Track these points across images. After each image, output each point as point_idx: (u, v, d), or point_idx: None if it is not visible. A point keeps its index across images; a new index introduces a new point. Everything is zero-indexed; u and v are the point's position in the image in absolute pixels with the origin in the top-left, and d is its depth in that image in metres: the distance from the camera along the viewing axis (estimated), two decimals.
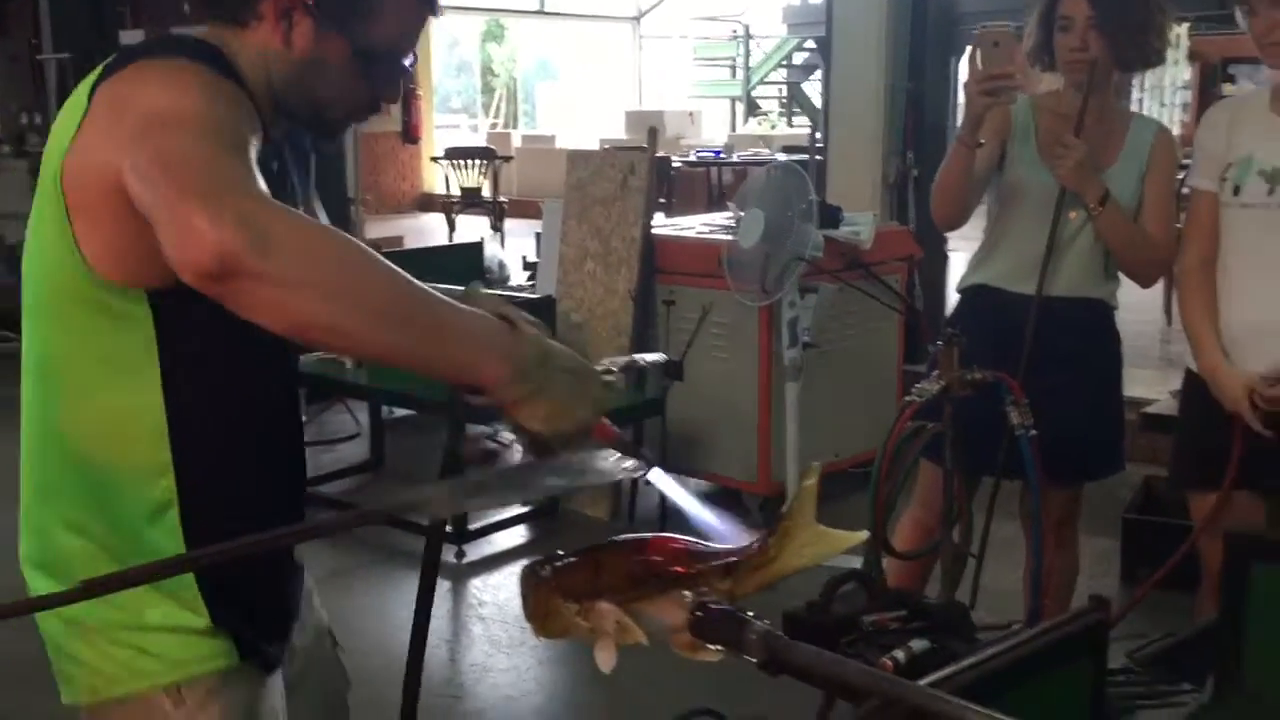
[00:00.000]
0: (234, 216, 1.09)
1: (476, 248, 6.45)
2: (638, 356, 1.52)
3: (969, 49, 2.59)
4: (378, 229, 10.52)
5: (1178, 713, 1.81)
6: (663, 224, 5.16)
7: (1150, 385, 4.92)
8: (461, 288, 1.33)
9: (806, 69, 15.41)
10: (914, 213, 5.60)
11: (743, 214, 4.27)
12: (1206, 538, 2.60)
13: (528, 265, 7.04)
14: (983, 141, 2.65)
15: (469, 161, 11.68)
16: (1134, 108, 5.99)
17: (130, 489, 1.38)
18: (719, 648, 1.23)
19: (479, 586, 4.03)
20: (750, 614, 1.19)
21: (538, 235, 6.02)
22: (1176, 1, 2.82)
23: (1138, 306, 4.24)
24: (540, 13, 17.76)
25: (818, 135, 5.94)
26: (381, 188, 13.67)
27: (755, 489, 4.59)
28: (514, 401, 1.19)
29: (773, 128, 15.44)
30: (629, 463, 1.29)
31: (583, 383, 1.24)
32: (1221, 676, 1.84)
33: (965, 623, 2.02)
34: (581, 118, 18.00)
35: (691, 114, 15.47)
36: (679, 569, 1.28)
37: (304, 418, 1.72)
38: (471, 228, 11.44)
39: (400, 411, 5.51)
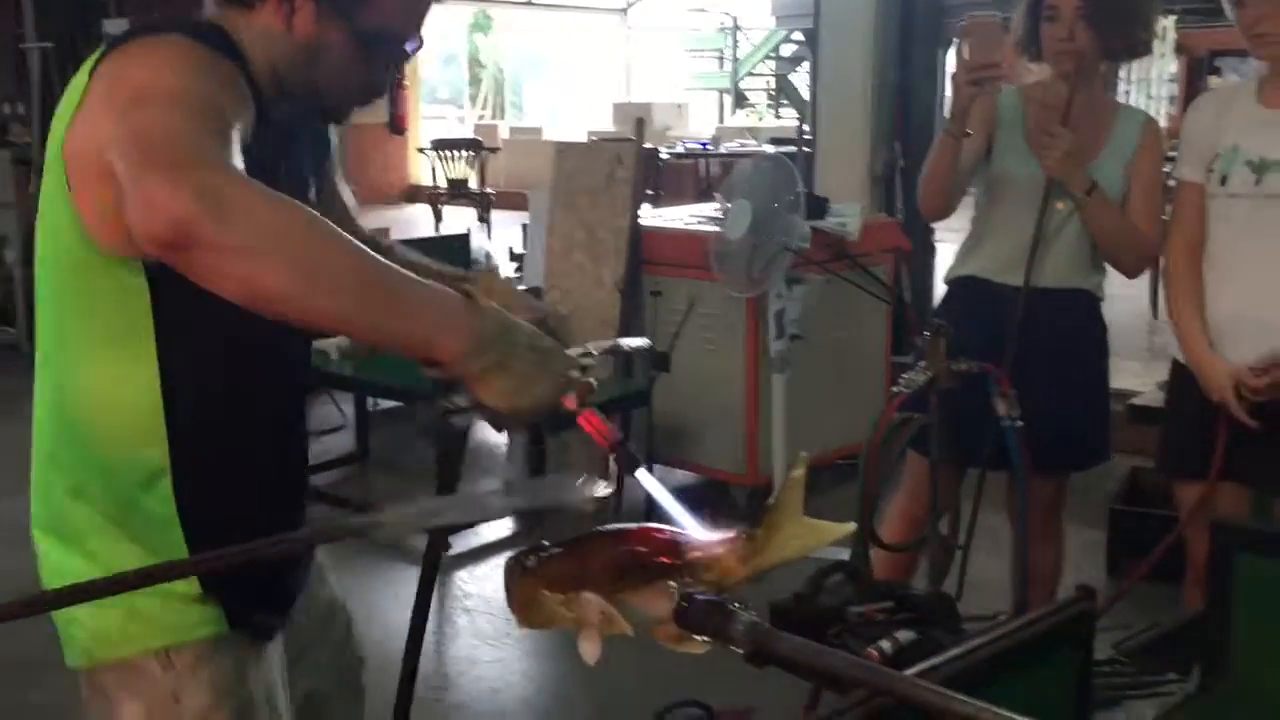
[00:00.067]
0: (193, 187, 1.11)
1: (463, 239, 6.43)
2: (621, 341, 1.52)
3: (956, 40, 2.58)
4: (364, 220, 10.41)
5: (1164, 703, 1.81)
6: (650, 215, 5.14)
7: (1136, 377, 4.93)
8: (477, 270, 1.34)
9: (794, 61, 15.40)
10: (902, 205, 5.59)
11: (729, 205, 4.26)
12: (1192, 528, 2.60)
13: (514, 256, 7.02)
14: (970, 132, 2.65)
15: (456, 153, 11.65)
16: (1120, 100, 5.98)
17: (125, 455, 1.42)
18: (705, 639, 1.22)
19: (464, 579, 4.02)
20: (736, 605, 1.19)
21: (524, 226, 6.01)
22: None
23: (1124, 298, 4.25)
24: (528, 4, 17.72)
25: (805, 127, 5.93)
26: (368, 179, 13.62)
27: (742, 481, 4.58)
28: (471, 375, 1.20)
29: (760, 120, 15.43)
30: (595, 488, 1.29)
31: (545, 360, 1.25)
32: (1207, 666, 1.84)
33: (951, 614, 2.02)
34: (569, 109, 17.97)
35: (679, 106, 15.45)
36: (665, 560, 1.27)
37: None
38: (458, 219, 11.42)
39: (385, 403, 5.50)
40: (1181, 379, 2.64)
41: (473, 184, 11.61)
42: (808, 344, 4.36)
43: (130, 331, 1.39)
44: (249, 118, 1.31)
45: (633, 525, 1.29)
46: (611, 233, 4.72)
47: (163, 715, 1.45)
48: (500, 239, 8.96)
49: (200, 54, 1.31)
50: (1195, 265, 2.58)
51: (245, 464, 1.49)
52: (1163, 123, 3.00)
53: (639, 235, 4.69)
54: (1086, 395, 2.87)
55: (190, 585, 1.44)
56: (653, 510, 1.30)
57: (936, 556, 2.53)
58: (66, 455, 1.45)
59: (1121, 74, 9.41)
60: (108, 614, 1.43)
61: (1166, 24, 10.00)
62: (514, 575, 1.24)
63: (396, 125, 13.76)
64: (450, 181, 11.54)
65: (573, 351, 1.36)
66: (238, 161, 1.21)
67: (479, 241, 7.17)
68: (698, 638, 1.23)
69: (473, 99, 20.38)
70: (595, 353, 1.44)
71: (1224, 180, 2.51)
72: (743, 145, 11.99)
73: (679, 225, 4.92)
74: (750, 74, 16.56)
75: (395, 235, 9.87)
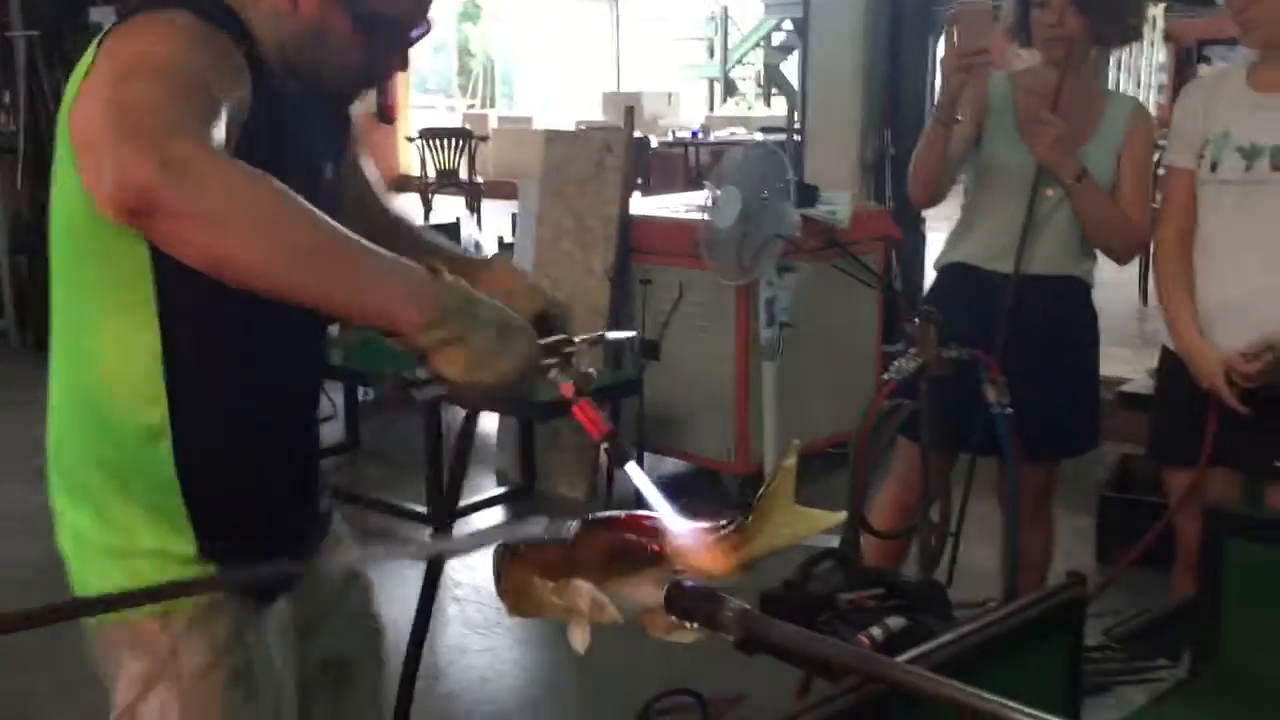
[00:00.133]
0: (160, 156, 1.14)
1: (453, 228, 6.40)
2: (607, 334, 1.52)
3: (946, 28, 2.58)
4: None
5: (1154, 689, 1.81)
6: (639, 203, 5.13)
7: (1126, 364, 4.94)
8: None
9: (784, 49, 15.36)
10: (892, 193, 5.59)
11: (719, 193, 4.26)
12: (1183, 514, 2.60)
13: (504, 246, 6.99)
14: (960, 119, 2.64)
15: (445, 142, 11.60)
16: (1110, 87, 5.98)
17: (129, 417, 1.46)
18: (695, 627, 1.22)
19: (454, 567, 4.01)
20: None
21: (514, 216, 5.99)
22: None
23: (1114, 285, 4.25)
24: None
25: (795, 116, 5.92)
26: None
27: (733, 469, 4.58)
28: (430, 347, 1.23)
29: (749, 109, 15.41)
30: (540, 527, 1.31)
31: (508, 338, 1.26)
32: (1198, 652, 1.85)
33: (942, 600, 2.02)
34: (559, 99, 17.92)
35: (669, 95, 15.42)
36: (655, 548, 1.26)
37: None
38: (448, 208, 11.38)
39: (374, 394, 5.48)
40: (1172, 366, 2.64)
41: (462, 173, 11.57)
42: (798, 332, 4.36)
43: (133, 297, 1.42)
44: (242, 94, 1.34)
45: (623, 513, 1.29)
46: (601, 221, 4.70)
47: (162, 673, 1.49)
48: (490, 228, 8.95)
49: (197, 29, 1.33)
50: (1186, 252, 2.58)
51: (246, 432, 1.52)
52: (1152, 111, 2.99)
53: (629, 223, 4.68)
54: (1076, 382, 2.87)
55: (189, 547, 1.47)
56: (642, 500, 1.30)
57: (927, 543, 2.53)
58: (78, 418, 1.49)
59: (1111, 62, 9.40)
60: (111, 577, 1.48)
61: (1156, 12, 10.00)
62: (504, 562, 1.24)
63: (385, 114, 13.69)
64: (439, 171, 11.50)
65: (550, 340, 1.38)
66: (219, 135, 1.24)
67: (468, 231, 7.14)
68: (688, 626, 1.23)
69: (462, 88, 20.33)
70: (576, 341, 1.44)
71: (1214, 166, 2.51)
72: (733, 134, 11.97)
73: (669, 213, 4.91)
74: (740, 63, 16.51)
75: None
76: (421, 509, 4.31)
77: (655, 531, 1.27)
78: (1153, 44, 10.94)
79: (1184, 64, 11.26)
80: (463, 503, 4.38)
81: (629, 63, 18.88)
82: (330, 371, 4.97)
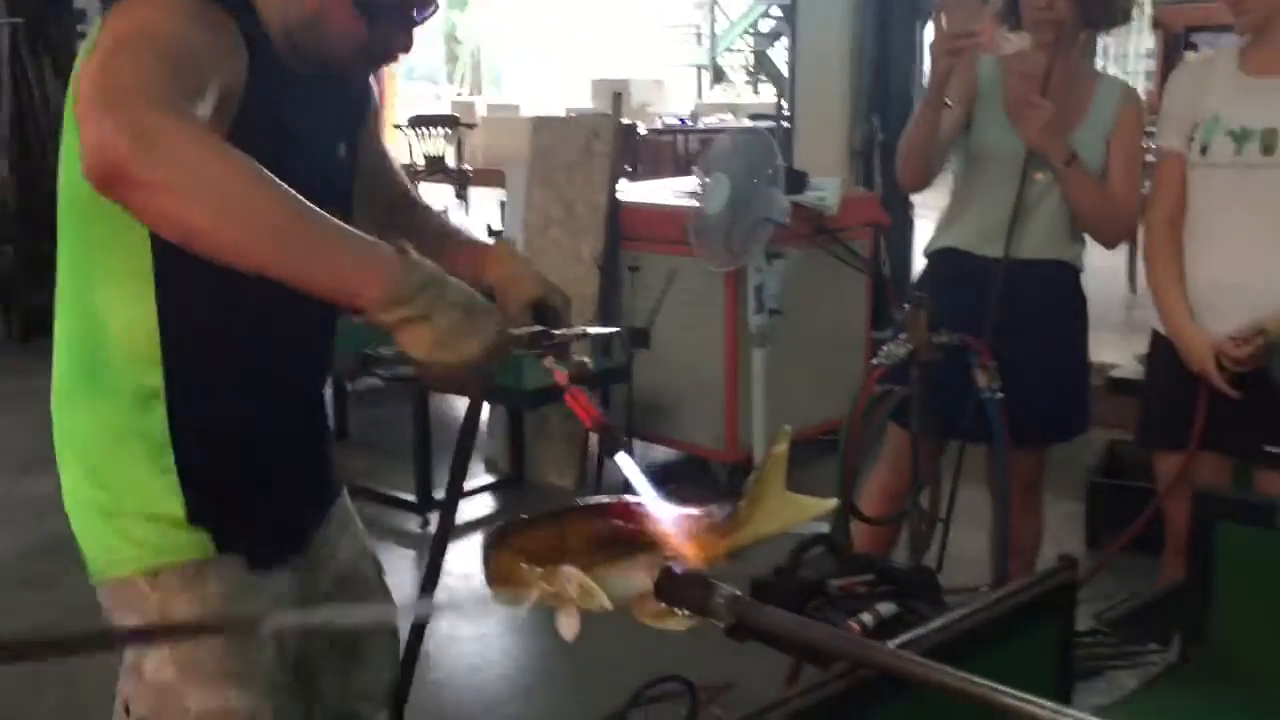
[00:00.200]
0: (131, 127, 1.17)
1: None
2: (589, 329, 1.51)
3: (935, 11, 2.56)
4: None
5: (1145, 673, 1.81)
6: (628, 190, 5.11)
7: (1115, 349, 4.94)
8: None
9: (772, 36, 15.33)
10: (880, 179, 5.58)
11: (708, 179, 4.24)
12: (1172, 499, 2.60)
13: (492, 233, 6.98)
14: (949, 102, 2.63)
15: (433, 129, 11.56)
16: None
17: (126, 376, 1.49)
18: (686, 614, 1.21)
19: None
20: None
21: (502, 204, 5.97)
22: None
23: (1102, 271, 4.24)
24: None
25: (784, 103, 5.91)
26: None
27: (723, 457, 4.57)
28: (394, 324, 1.25)
29: (738, 96, 15.38)
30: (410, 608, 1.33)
31: (473, 318, 1.28)
32: (1188, 636, 1.85)
33: (932, 586, 2.02)
34: (547, 87, 17.86)
35: (658, 82, 15.38)
36: (645, 534, 1.25)
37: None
38: (435, 196, 11.34)
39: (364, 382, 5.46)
40: (1161, 350, 2.64)
41: (450, 161, 11.53)
42: (787, 319, 4.35)
43: (133, 264, 1.45)
44: (236, 71, 1.36)
45: (612, 499, 1.28)
46: (589, 208, 4.68)
47: None
48: (478, 216, 8.92)
49: (194, 5, 1.34)
50: (1176, 235, 2.57)
51: (242, 402, 1.54)
52: None
53: (617, 210, 4.66)
54: (1067, 366, 2.86)
55: (177, 509, 1.50)
56: (632, 488, 1.29)
57: (917, 529, 2.53)
58: (79, 378, 1.52)
59: (1099, 49, 9.39)
60: (106, 537, 1.52)
61: None
62: (492, 548, 1.23)
63: None
64: (427, 158, 11.46)
65: (526, 330, 1.41)
66: (202, 110, 1.27)
67: (456, 218, 7.12)
68: (679, 613, 1.22)
69: (450, 76, 20.25)
70: (555, 334, 1.44)
71: (1204, 150, 2.50)
72: (721, 121, 11.95)
73: (657, 200, 4.89)
74: (728, 50, 16.49)
75: None
76: (410, 497, 4.30)
77: (645, 518, 1.26)
78: (1140, 30, 10.93)
79: (1171, 51, 11.26)
80: None
81: (617, 50, 18.82)
82: None
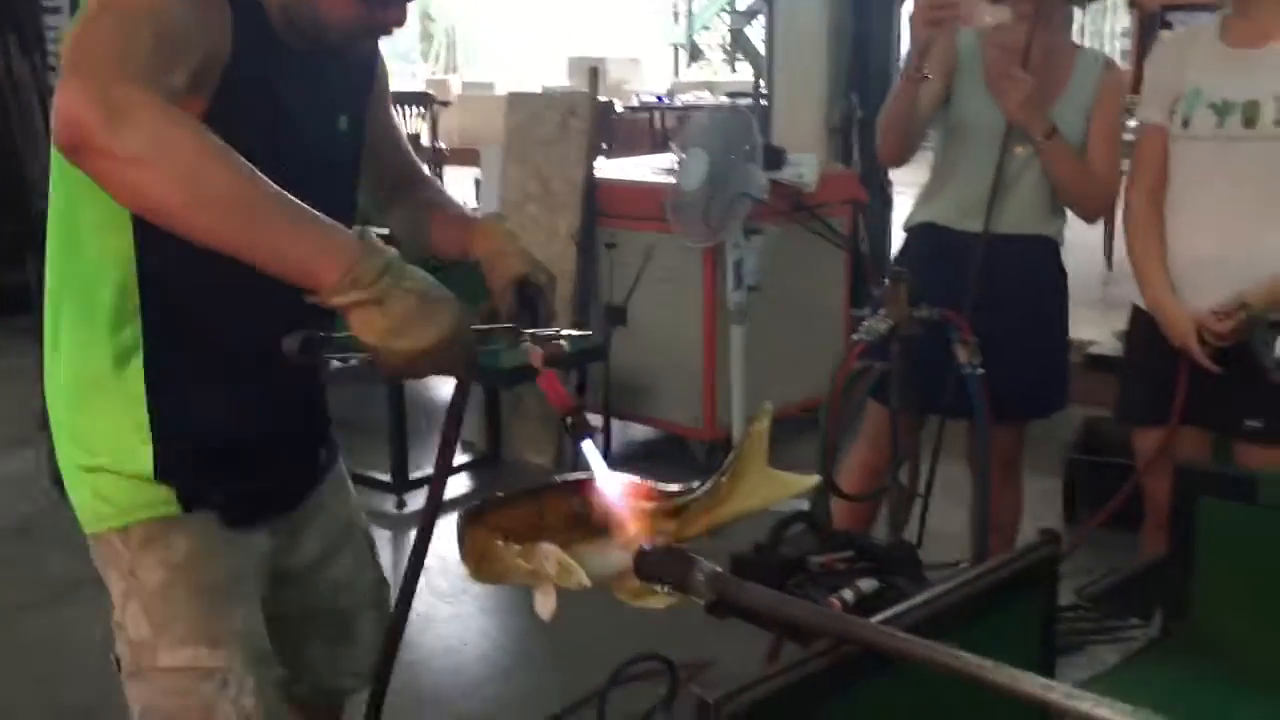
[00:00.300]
0: (98, 96, 1.20)
1: None
2: (562, 332, 1.49)
3: None
4: None
5: (1126, 648, 1.80)
6: (605, 166, 5.08)
7: (1093, 326, 4.94)
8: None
9: (749, 15, 15.28)
10: (858, 156, 5.55)
11: (685, 155, 4.21)
12: (1152, 474, 2.60)
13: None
14: (929, 75, 2.61)
15: (406, 108, 11.46)
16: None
17: (108, 333, 1.50)
18: (665, 592, 1.19)
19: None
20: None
21: (477, 182, 5.92)
22: None
23: (1079, 248, 4.22)
24: None
25: (761, 82, 5.87)
26: None
27: (701, 435, 4.56)
28: (347, 308, 1.25)
29: (715, 74, 15.33)
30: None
31: (429, 308, 1.27)
32: (1169, 610, 1.84)
33: (913, 562, 2.01)
34: (522, 65, 17.75)
35: (634, 60, 15.31)
36: (624, 510, 1.23)
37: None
38: None
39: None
40: (1141, 325, 2.63)
41: (424, 139, 11.44)
42: (766, 296, 4.33)
43: (113, 222, 1.45)
44: (219, 41, 1.38)
45: (591, 475, 1.26)
46: (566, 184, 4.65)
47: (128, 587, 1.55)
48: (452, 194, 8.84)
49: None
50: (1157, 209, 2.56)
51: (218, 357, 1.54)
52: None
53: (594, 186, 4.63)
54: (1046, 341, 2.86)
55: (146, 464, 1.51)
56: (608, 460, 1.27)
57: (897, 506, 2.52)
58: (65, 333, 1.54)
59: (1075, 29, 9.37)
60: (84, 494, 1.55)
61: None
62: (468, 525, 1.20)
63: None
64: None
65: (491, 327, 1.43)
66: (175, 82, 1.29)
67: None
68: (659, 591, 1.20)
69: (424, 55, 20.10)
70: (525, 333, 1.44)
71: (1186, 123, 2.48)
72: (698, 99, 11.90)
73: (635, 177, 4.85)
74: (705, 28, 16.43)
75: None
76: (385, 477, 4.26)
77: (626, 493, 1.24)
78: (1116, 10, 10.94)
79: (1147, 30, 11.27)
80: (426, 472, 4.34)
81: (593, 29, 18.72)
82: None
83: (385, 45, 1.71)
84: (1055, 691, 0.94)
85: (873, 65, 5.69)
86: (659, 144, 10.97)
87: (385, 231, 1.89)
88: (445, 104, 12.15)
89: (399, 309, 1.25)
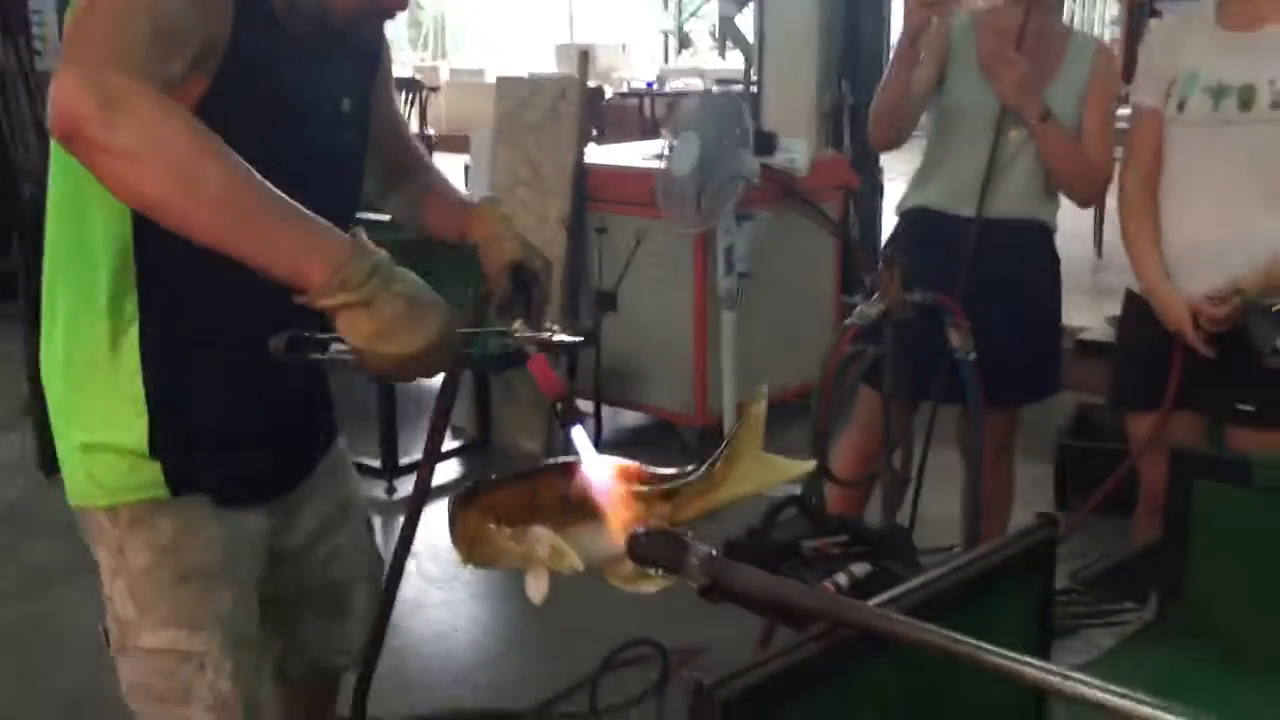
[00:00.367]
0: (94, 86, 1.20)
1: None
2: (554, 335, 1.48)
3: None
4: None
5: (1121, 631, 1.80)
6: (596, 152, 5.06)
7: (1085, 312, 4.94)
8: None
9: (740, 2, 15.24)
10: (849, 143, 5.54)
11: (676, 140, 4.19)
12: (1146, 459, 2.59)
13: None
14: (922, 57, 2.59)
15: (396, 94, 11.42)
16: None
17: (107, 303, 1.49)
18: (659, 575, 1.18)
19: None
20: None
21: (467, 168, 5.89)
22: None
23: (1069, 234, 4.22)
24: None
25: (751, 70, 5.85)
26: None
27: (691, 421, 4.55)
28: (334, 308, 1.25)
29: (704, 61, 15.28)
30: None
31: (418, 312, 1.27)
32: (1164, 594, 1.84)
33: (907, 546, 2.00)
34: (511, 51, 17.69)
35: (623, 47, 15.26)
36: (617, 493, 1.21)
37: None
38: None
39: None
40: (1135, 310, 2.62)
41: (413, 126, 11.40)
42: (757, 282, 4.31)
43: (114, 202, 1.43)
44: (219, 26, 1.37)
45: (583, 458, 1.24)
46: (557, 169, 4.62)
47: (116, 565, 1.55)
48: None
49: None
50: (1152, 193, 2.54)
51: (212, 336, 1.53)
52: None
53: (584, 171, 4.61)
54: (1039, 326, 2.85)
55: (138, 443, 1.50)
56: (602, 448, 1.26)
57: (889, 490, 2.51)
58: (61, 307, 1.53)
59: (1065, 16, 9.36)
60: (76, 473, 1.55)
61: None
62: (459, 508, 1.19)
63: None
64: None
65: (479, 330, 1.46)
66: (172, 71, 1.29)
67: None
68: (652, 574, 1.18)
69: (413, 41, 20.02)
70: (515, 335, 1.44)
71: (1181, 106, 2.47)
72: (688, 86, 11.87)
73: (625, 162, 4.83)
74: (694, 16, 16.37)
75: None
76: (374, 463, 4.24)
77: (619, 476, 1.22)
78: None
79: (1137, 18, 11.27)
80: (416, 458, 4.31)
81: (582, 16, 18.66)
82: None
83: None
84: (1052, 674, 0.93)
85: (864, 50, 5.67)
86: (649, 131, 10.94)
87: (385, 218, 1.89)
88: (434, 90, 12.12)
89: (387, 312, 1.25)
